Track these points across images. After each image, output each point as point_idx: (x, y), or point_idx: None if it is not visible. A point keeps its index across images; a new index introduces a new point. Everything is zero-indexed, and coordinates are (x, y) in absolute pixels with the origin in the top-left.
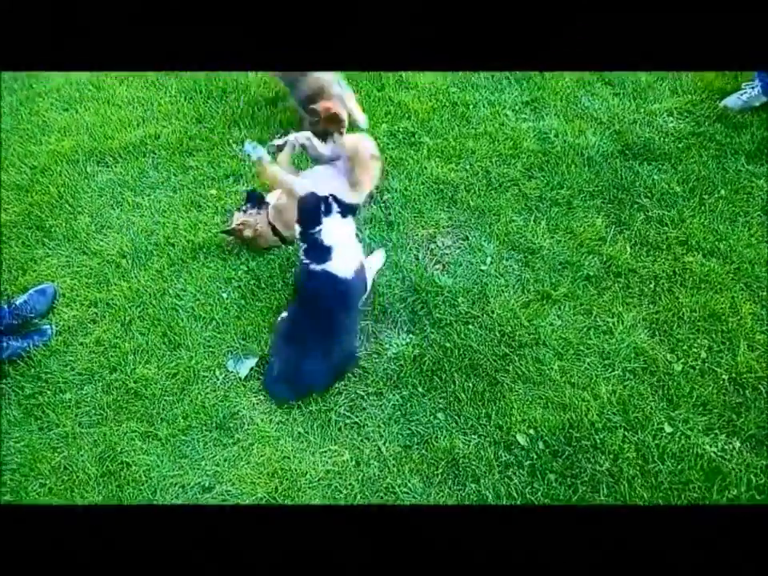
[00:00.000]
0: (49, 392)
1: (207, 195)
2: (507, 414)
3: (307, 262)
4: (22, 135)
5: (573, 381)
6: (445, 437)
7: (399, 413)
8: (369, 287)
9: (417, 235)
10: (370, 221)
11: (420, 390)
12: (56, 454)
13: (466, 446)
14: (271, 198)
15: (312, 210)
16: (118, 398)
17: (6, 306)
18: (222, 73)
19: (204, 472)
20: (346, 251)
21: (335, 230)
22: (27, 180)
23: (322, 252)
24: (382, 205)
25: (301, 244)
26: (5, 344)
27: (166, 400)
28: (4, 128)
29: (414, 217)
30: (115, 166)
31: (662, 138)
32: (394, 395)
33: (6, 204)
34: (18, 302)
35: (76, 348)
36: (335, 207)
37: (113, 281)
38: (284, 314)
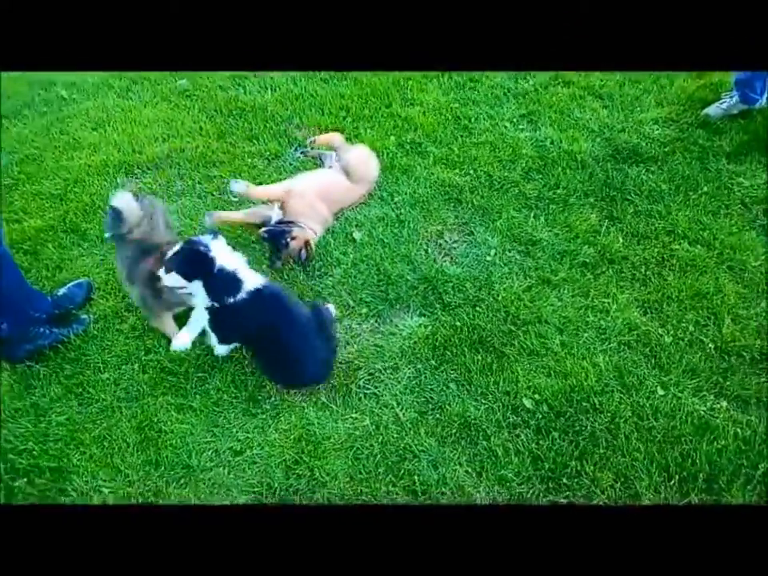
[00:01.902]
0: (88, 372)
1: (230, 201)
2: (514, 382)
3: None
4: (55, 152)
5: (573, 352)
6: (457, 403)
7: (414, 383)
8: None
9: (426, 232)
10: (382, 219)
11: (433, 363)
12: (96, 426)
13: (477, 410)
14: (273, 213)
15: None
16: (154, 376)
17: (48, 298)
18: (239, 92)
19: (235, 438)
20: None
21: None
22: (62, 190)
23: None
24: (393, 205)
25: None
26: (47, 331)
27: (198, 377)
28: (37, 145)
29: (423, 216)
30: (144, 177)
31: (648, 144)
32: (408, 369)
33: (42, 211)
34: (58, 294)
35: (112, 334)
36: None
37: None
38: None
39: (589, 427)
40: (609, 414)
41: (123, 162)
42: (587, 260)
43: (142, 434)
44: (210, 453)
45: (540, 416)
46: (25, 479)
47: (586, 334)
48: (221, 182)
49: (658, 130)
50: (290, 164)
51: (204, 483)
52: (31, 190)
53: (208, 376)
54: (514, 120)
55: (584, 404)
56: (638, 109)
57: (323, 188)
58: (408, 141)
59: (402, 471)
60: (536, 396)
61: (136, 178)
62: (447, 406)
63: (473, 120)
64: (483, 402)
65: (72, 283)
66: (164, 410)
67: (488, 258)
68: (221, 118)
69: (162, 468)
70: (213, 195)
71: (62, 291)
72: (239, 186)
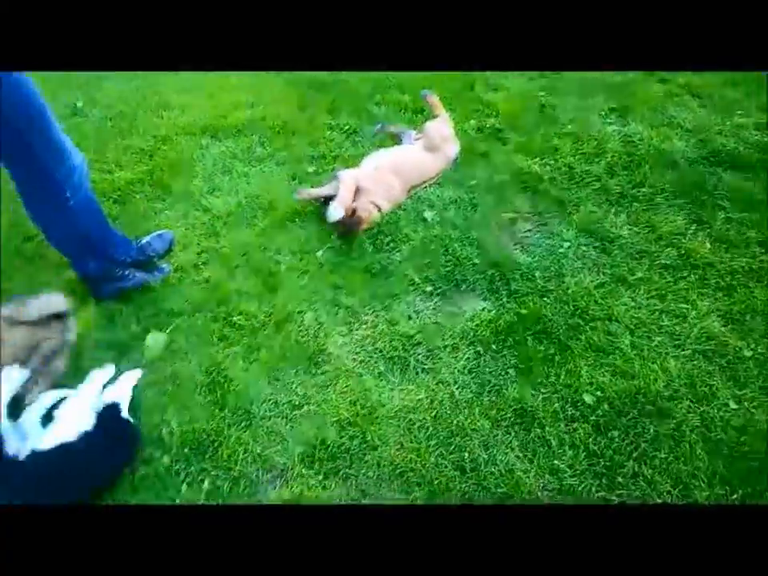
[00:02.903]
0: (164, 315)
1: (306, 171)
2: (576, 376)
3: None
4: (146, 110)
5: (643, 354)
6: (515, 389)
7: (473, 365)
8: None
9: (498, 218)
10: (455, 202)
11: (493, 347)
12: (167, 364)
13: (534, 399)
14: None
15: None
16: (223, 327)
17: (133, 244)
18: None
19: (295, 393)
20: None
21: None
22: (151, 146)
23: None
24: (468, 189)
25: None
26: (131, 275)
27: (263, 333)
28: (131, 103)
29: (497, 202)
30: (226, 141)
31: (747, 149)
32: (468, 350)
33: (132, 164)
34: (142, 242)
35: (188, 284)
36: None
37: (221, 233)
38: None
39: (652, 431)
40: (675, 421)
41: (208, 125)
42: (668, 262)
43: (210, 377)
44: (270, 404)
45: (600, 413)
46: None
47: (658, 338)
48: (299, 151)
49: (757, 135)
50: (368, 139)
51: (262, 430)
52: (123, 144)
53: (272, 333)
54: (603, 113)
55: (649, 407)
56: (739, 112)
57: (398, 164)
58: (488, 126)
59: (453, 446)
60: (598, 393)
61: (218, 141)
62: (504, 391)
63: (558, 110)
64: (542, 391)
65: (155, 234)
66: (231, 359)
67: (561, 251)
68: (303, 90)
69: (226, 410)
70: (290, 164)
71: (145, 240)
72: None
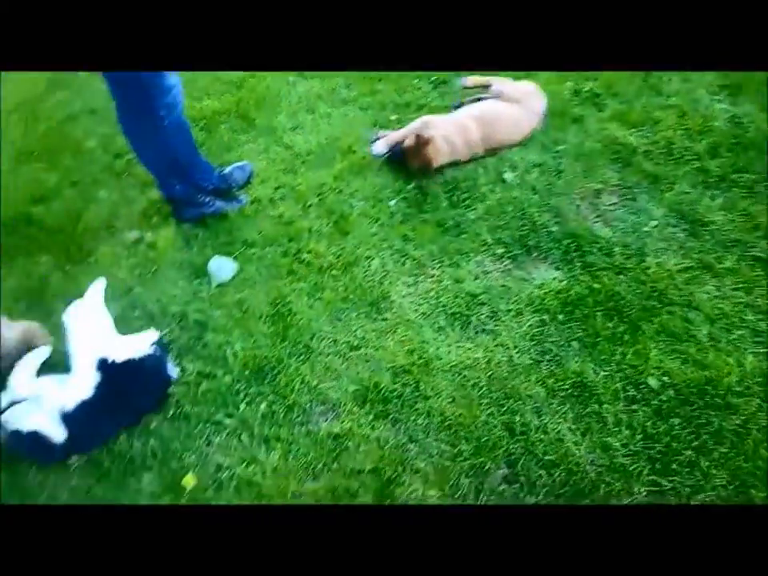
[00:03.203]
0: (238, 244)
1: (389, 118)
2: (643, 359)
3: None
4: None
5: (719, 346)
6: (576, 362)
7: (535, 332)
8: None
9: (583, 188)
10: (538, 165)
11: (560, 318)
12: (237, 291)
13: (596, 375)
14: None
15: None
16: (292, 263)
17: (216, 172)
18: None
19: (354, 335)
20: None
21: None
22: (240, 78)
23: None
24: (554, 154)
25: None
26: (211, 202)
27: (330, 273)
28: None
29: (584, 171)
30: (312, 80)
31: None
32: (532, 317)
33: (220, 94)
34: (224, 171)
35: (263, 218)
36: None
37: (299, 171)
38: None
39: (716, 424)
40: (741, 418)
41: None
42: (762, 255)
43: (275, 308)
44: (329, 341)
45: (664, 399)
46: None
47: (739, 332)
48: (384, 97)
49: None
50: (456, 92)
51: (320, 365)
52: (214, 75)
53: (339, 275)
54: (713, 89)
55: (717, 400)
56: None
57: (481, 111)
58: (586, 90)
59: (505, 408)
60: (664, 378)
61: (305, 79)
62: (564, 362)
63: (665, 79)
64: (605, 368)
65: (236, 164)
66: (296, 294)
67: (645, 229)
68: None
69: (287, 342)
70: (373, 109)
71: (227, 170)
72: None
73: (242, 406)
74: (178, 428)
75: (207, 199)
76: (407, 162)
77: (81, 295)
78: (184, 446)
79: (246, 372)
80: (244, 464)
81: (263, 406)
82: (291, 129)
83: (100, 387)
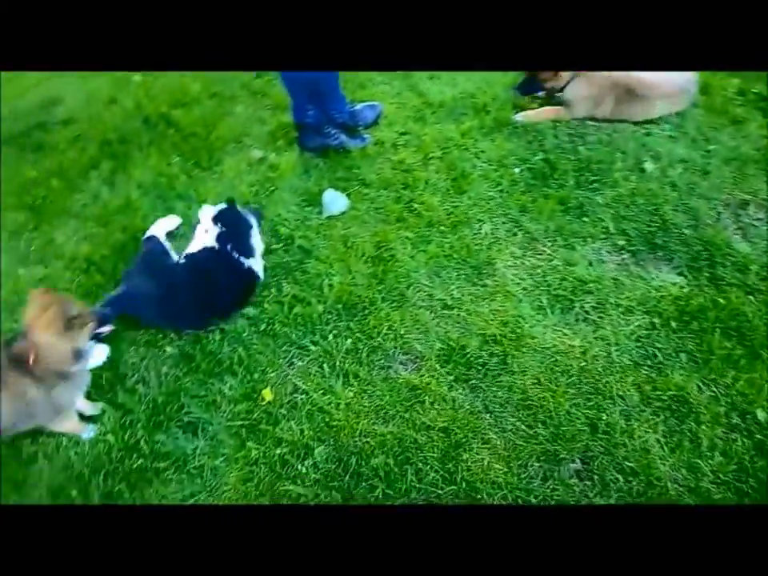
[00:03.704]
0: (354, 181)
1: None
2: (756, 388)
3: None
4: None
5: None
6: (681, 374)
7: (642, 333)
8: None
9: (728, 195)
10: (684, 162)
11: (672, 325)
12: (343, 227)
13: (700, 393)
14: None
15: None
16: (403, 210)
17: (348, 107)
18: None
19: (450, 294)
20: None
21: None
22: None
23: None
24: (705, 153)
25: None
26: (336, 135)
27: (438, 228)
28: None
29: (734, 177)
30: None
31: None
32: (642, 318)
33: None
34: (354, 108)
35: (383, 161)
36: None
37: (429, 121)
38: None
39: None
40: None
41: None
42: None
43: (378, 250)
44: (424, 294)
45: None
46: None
47: None
48: None
49: None
50: None
51: (410, 316)
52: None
53: (447, 231)
54: None
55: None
56: None
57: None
58: (754, 90)
59: (592, 403)
60: None
61: None
62: (668, 372)
63: None
64: (711, 388)
65: (368, 103)
66: (401, 241)
67: None
68: None
69: (383, 286)
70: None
71: (358, 107)
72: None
73: (329, 337)
74: (266, 343)
75: (333, 131)
76: None
77: (202, 201)
78: (269, 360)
79: (339, 306)
80: (320, 392)
81: (349, 341)
82: (428, 77)
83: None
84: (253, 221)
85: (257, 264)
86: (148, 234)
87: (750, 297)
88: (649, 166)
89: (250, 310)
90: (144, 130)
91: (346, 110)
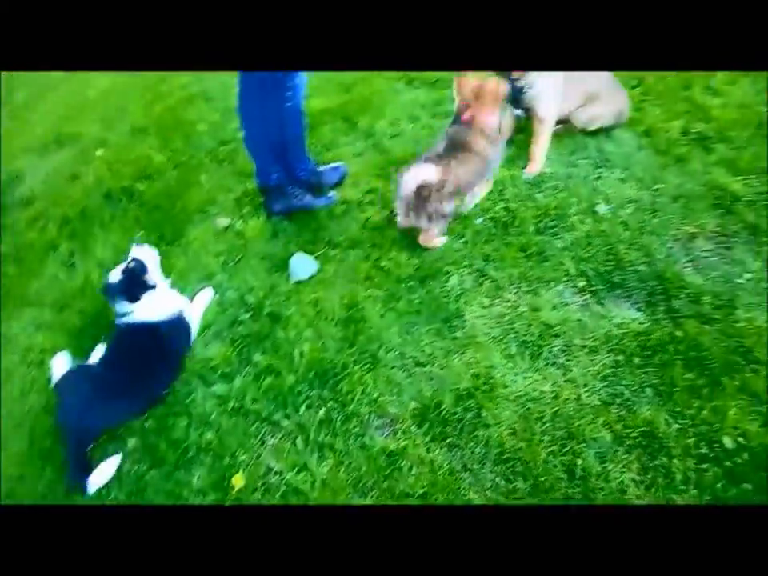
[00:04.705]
0: (322, 244)
1: None
2: (720, 415)
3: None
4: None
5: None
6: (648, 410)
7: (608, 372)
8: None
9: (678, 230)
10: (634, 201)
11: (636, 360)
12: (312, 290)
13: (668, 426)
14: None
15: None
16: (371, 268)
17: (312, 167)
18: None
19: (421, 349)
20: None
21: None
22: (350, 81)
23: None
24: (653, 192)
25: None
26: (301, 195)
27: (407, 284)
28: None
29: (682, 213)
30: (420, 90)
31: None
32: (608, 355)
33: (328, 95)
34: (319, 169)
35: (351, 219)
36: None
37: (392, 177)
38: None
39: None
40: None
41: (404, 75)
42: None
43: (348, 312)
44: (396, 353)
45: (738, 461)
46: (249, 315)
47: None
48: None
49: None
50: None
51: (382, 377)
52: (326, 76)
53: (416, 287)
54: None
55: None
56: None
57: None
58: (695, 131)
59: (567, 449)
60: (740, 440)
61: (413, 88)
62: (636, 408)
63: None
64: (679, 421)
65: (333, 165)
66: (370, 300)
67: (739, 281)
68: None
69: (354, 348)
70: None
71: (322, 168)
72: None
73: (302, 409)
74: (236, 423)
75: (298, 191)
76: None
77: (167, 276)
78: (239, 441)
79: (311, 374)
80: (295, 470)
81: (322, 411)
82: (391, 135)
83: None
84: (146, 261)
85: (163, 308)
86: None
87: (706, 326)
88: (601, 208)
89: (219, 388)
90: (106, 205)
91: (311, 170)
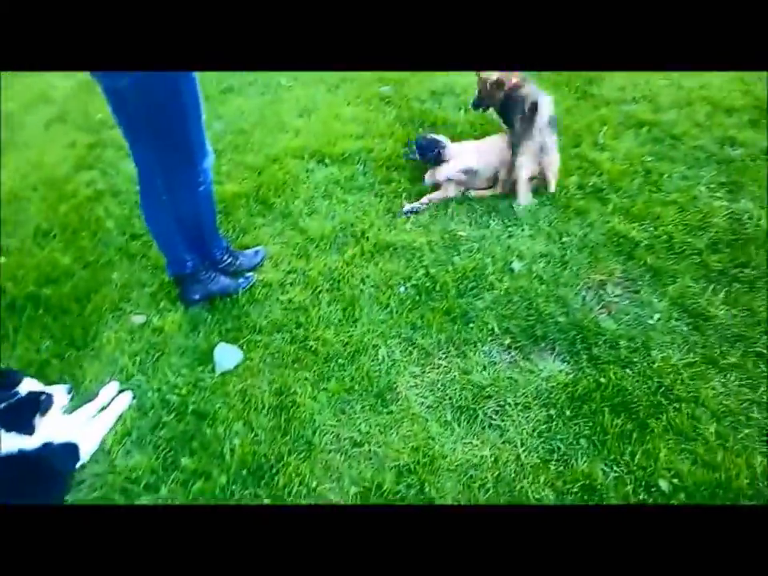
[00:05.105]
0: (246, 330)
1: (403, 206)
2: (653, 459)
3: None
4: (263, 130)
5: (727, 446)
6: (585, 462)
7: (543, 428)
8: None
9: (588, 279)
10: (544, 256)
11: (567, 413)
12: (241, 380)
13: (605, 477)
14: None
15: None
16: (299, 350)
17: (226, 244)
18: (425, 108)
19: (357, 429)
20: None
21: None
22: (261, 164)
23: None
24: (560, 245)
25: None
26: (217, 278)
27: (336, 362)
28: (250, 121)
29: (588, 261)
30: (332, 167)
31: None
32: (541, 411)
33: (241, 179)
34: (236, 254)
35: (273, 302)
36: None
37: (312, 256)
38: None
39: None
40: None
41: (317, 151)
42: (765, 351)
43: (278, 399)
44: (331, 436)
45: (675, 503)
46: (173, 415)
47: (746, 430)
48: (399, 186)
49: None
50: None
51: (321, 463)
52: (236, 158)
53: (345, 364)
54: (712, 186)
55: (728, 504)
56: None
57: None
58: (589, 184)
59: None
60: (675, 481)
61: (324, 166)
62: (574, 462)
63: (665, 177)
64: (614, 469)
65: (251, 250)
66: (300, 383)
67: (650, 322)
68: (412, 128)
69: (288, 437)
70: (387, 197)
71: (239, 253)
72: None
73: None
74: None
75: (213, 274)
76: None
77: (77, 384)
78: None
79: (244, 471)
80: None
81: None
82: (307, 214)
83: None
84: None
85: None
86: None
87: (626, 370)
88: (516, 265)
89: (144, 500)
90: (9, 316)
91: (227, 246)
